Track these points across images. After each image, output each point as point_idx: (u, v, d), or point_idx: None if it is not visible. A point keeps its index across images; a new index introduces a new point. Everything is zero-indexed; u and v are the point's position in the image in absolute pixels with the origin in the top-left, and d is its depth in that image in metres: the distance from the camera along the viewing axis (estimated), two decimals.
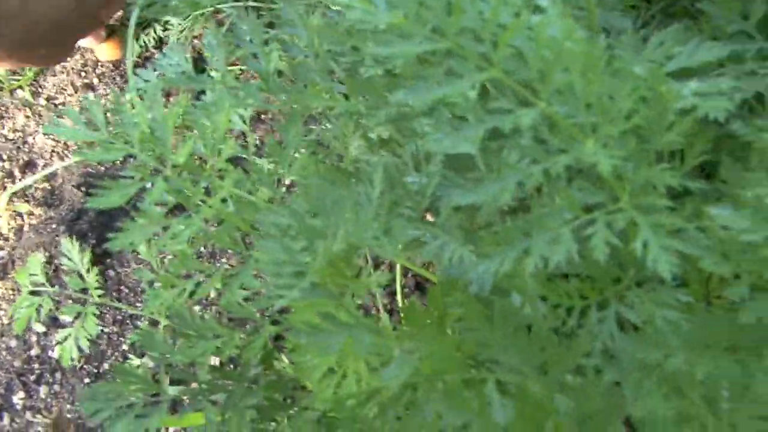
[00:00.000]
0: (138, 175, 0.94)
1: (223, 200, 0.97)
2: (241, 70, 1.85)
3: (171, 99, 1.91)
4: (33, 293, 1.59)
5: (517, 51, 0.59)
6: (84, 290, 1.59)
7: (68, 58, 2.03)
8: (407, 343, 0.68)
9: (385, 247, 0.70)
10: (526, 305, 0.68)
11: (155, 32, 1.96)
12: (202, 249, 1.77)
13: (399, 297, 1.45)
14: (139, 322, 1.76)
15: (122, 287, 1.80)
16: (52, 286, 1.65)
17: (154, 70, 1.10)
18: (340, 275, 0.74)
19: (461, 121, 0.60)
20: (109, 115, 0.94)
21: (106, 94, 1.98)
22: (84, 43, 1.90)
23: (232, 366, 1.53)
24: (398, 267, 1.42)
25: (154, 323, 1.70)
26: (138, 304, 1.77)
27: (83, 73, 2.03)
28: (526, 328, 0.63)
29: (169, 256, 1.71)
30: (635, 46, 0.78)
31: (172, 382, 1.14)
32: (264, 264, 0.73)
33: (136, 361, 1.69)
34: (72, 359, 1.56)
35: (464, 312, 0.65)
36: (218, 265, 0.99)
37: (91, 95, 2.00)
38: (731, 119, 0.78)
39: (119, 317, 1.78)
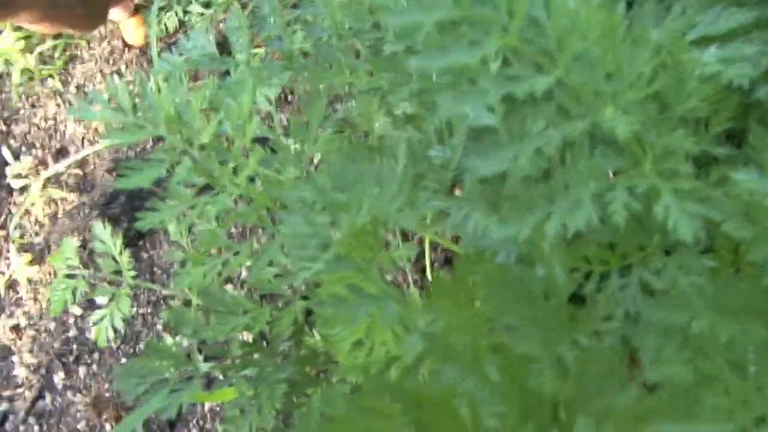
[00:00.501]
0: (165, 157, 0.96)
1: (251, 179, 0.98)
2: (266, 52, 1.86)
3: (199, 82, 1.92)
4: (68, 276, 1.62)
5: (536, 20, 0.59)
6: (118, 272, 1.61)
7: (98, 35, 2.04)
8: (431, 313, 0.69)
9: (408, 218, 0.71)
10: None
11: (177, 15, 1.97)
12: (233, 229, 1.79)
13: (428, 270, 1.45)
14: (172, 302, 1.79)
15: (155, 268, 1.83)
16: (87, 269, 1.67)
17: (180, 54, 1.11)
18: (365, 248, 0.74)
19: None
20: (136, 98, 0.95)
21: (134, 80, 2.00)
22: (113, 15, 1.91)
23: (265, 342, 1.55)
24: (427, 240, 1.42)
25: (187, 303, 1.73)
26: (171, 285, 1.80)
27: (111, 61, 2.06)
28: (544, 294, 0.63)
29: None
30: (657, 15, 0.77)
31: (207, 359, 1.16)
32: (290, 238, 0.74)
33: (170, 340, 1.72)
34: (108, 340, 1.58)
35: (485, 280, 0.66)
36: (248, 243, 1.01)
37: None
38: (758, 86, 0.77)
39: (153, 298, 1.81)
